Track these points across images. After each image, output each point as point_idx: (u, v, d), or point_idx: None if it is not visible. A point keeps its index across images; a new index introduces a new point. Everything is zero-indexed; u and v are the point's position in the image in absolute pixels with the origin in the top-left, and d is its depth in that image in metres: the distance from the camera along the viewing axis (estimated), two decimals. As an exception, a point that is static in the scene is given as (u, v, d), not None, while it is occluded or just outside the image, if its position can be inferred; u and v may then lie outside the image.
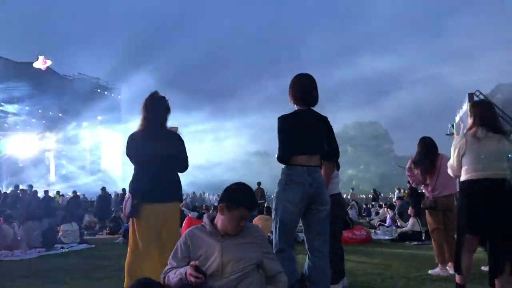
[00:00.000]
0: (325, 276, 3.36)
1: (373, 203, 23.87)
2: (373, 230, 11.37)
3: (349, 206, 17.27)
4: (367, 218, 17.57)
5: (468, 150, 3.63)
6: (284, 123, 3.46)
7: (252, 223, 2.75)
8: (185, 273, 2.44)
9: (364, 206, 24.09)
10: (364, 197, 35.10)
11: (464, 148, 3.65)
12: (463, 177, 3.69)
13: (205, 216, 2.76)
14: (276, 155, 3.45)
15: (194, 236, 2.66)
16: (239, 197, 2.60)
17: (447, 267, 5.30)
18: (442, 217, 5.47)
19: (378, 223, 12.90)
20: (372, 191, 30.54)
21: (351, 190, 27.35)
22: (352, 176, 61.57)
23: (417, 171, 5.55)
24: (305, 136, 3.39)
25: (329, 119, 3.58)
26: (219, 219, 2.64)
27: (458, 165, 3.76)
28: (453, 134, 16.30)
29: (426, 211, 5.63)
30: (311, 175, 3.32)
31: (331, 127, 3.56)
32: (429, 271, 5.38)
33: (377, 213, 16.59)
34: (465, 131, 3.84)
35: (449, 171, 3.97)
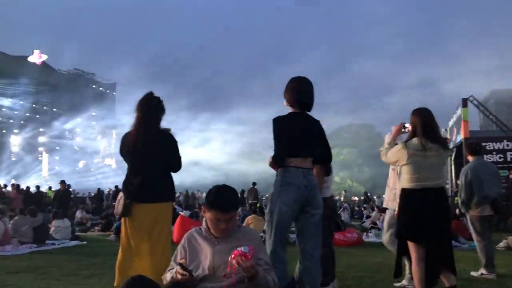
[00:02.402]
0: (315, 280, 3.38)
1: (364, 205, 23.94)
2: (364, 233, 11.41)
3: (341, 209, 17.31)
4: (359, 221, 17.61)
5: (410, 161, 3.80)
6: (278, 125, 3.46)
7: (250, 227, 2.75)
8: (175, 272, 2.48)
9: (356, 208, 24.14)
10: (357, 199, 35.21)
11: (405, 160, 3.81)
12: (405, 185, 3.89)
13: (204, 219, 2.76)
14: (271, 157, 3.45)
15: (192, 239, 2.68)
16: (212, 198, 2.57)
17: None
18: None
19: (370, 225, 12.94)
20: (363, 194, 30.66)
21: (343, 192, 27.42)
22: (345, 178, 61.72)
23: None
24: (298, 139, 3.39)
25: (323, 120, 3.60)
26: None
27: (389, 161, 4.07)
28: (446, 138, 16.27)
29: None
30: (306, 177, 3.34)
31: (323, 130, 3.58)
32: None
33: (368, 216, 16.63)
34: (405, 138, 3.98)
35: (383, 158, 4.13)
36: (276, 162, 3.43)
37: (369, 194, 29.75)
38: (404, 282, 4.86)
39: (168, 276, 2.59)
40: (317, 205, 3.39)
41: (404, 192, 3.91)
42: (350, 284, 4.99)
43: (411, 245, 3.85)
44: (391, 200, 4.94)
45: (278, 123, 3.46)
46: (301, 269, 3.38)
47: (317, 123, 3.55)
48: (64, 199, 15.71)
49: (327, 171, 4.71)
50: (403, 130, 4.09)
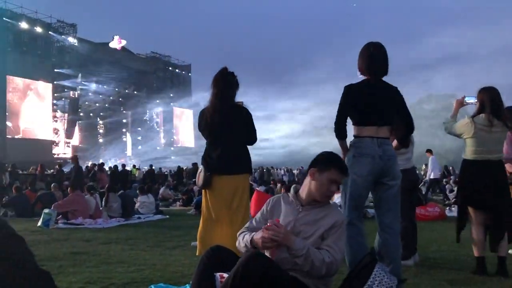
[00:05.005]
0: (396, 252, 3.28)
1: (444, 180, 22.77)
2: (447, 208, 10.95)
3: (422, 182, 16.69)
4: (441, 195, 16.90)
5: (476, 135, 4.01)
6: (349, 92, 3.32)
7: (338, 208, 2.69)
8: (250, 241, 2.42)
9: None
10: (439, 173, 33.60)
11: (472, 133, 4.02)
12: (468, 156, 4.11)
13: (292, 186, 2.73)
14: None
15: (276, 202, 2.65)
16: (331, 159, 2.55)
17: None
18: None
19: (454, 200, 12.39)
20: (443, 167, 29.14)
21: (424, 166, 26.22)
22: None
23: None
24: (372, 106, 3.24)
25: (403, 91, 3.43)
26: (306, 186, 2.56)
27: (454, 133, 4.22)
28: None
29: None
30: (381, 147, 3.20)
31: (402, 97, 3.39)
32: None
33: (451, 191, 15.90)
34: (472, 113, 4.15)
35: (447, 130, 4.34)
36: (336, 131, 3.29)
37: (450, 168, 28.26)
38: None
39: (240, 242, 2.51)
40: (394, 176, 3.26)
41: (467, 163, 4.14)
42: (432, 258, 4.83)
43: (471, 211, 4.11)
44: None
45: (350, 90, 3.32)
46: (380, 242, 3.29)
47: (393, 90, 3.38)
48: (78, 175, 13.90)
49: (406, 143, 4.53)
50: (464, 103, 4.27)
